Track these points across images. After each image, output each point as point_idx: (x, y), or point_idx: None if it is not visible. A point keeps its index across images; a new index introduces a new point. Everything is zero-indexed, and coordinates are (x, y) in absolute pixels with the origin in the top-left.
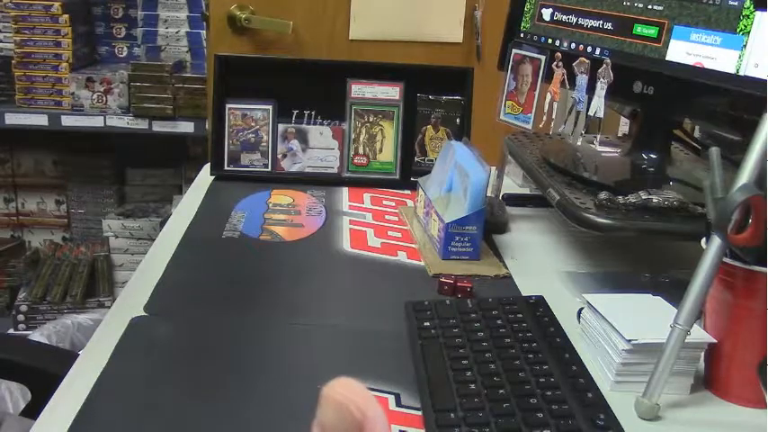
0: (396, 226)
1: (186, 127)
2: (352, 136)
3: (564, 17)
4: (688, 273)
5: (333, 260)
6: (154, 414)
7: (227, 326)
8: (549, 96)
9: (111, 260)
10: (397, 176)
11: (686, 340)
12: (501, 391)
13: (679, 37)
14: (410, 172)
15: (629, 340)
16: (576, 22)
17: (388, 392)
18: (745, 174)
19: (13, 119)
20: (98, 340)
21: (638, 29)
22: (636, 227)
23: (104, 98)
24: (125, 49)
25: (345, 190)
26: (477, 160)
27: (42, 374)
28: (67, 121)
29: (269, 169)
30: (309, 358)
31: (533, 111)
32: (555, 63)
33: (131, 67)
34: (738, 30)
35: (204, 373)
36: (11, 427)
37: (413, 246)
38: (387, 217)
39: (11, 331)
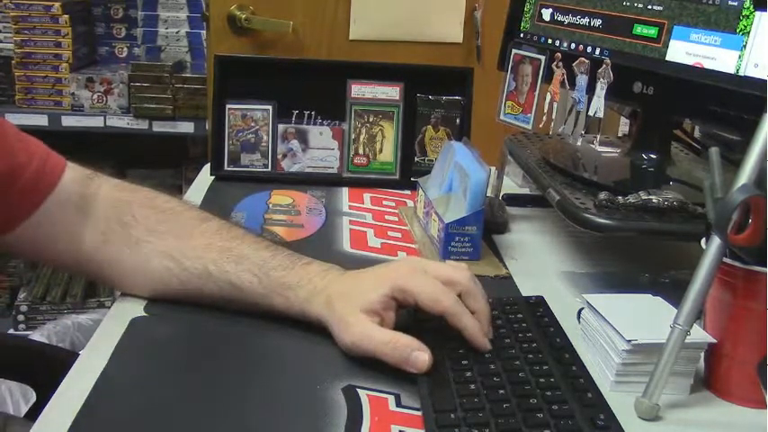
0: (396, 226)
1: (186, 127)
2: (352, 136)
3: (564, 17)
4: (688, 273)
5: (333, 260)
6: (154, 414)
7: (227, 326)
8: (548, 96)
9: None
10: (397, 177)
11: (686, 340)
12: (501, 391)
13: (679, 37)
14: (410, 172)
15: (629, 340)
16: (576, 23)
17: (388, 392)
18: (745, 174)
19: (13, 119)
20: (98, 340)
21: (638, 29)
22: (636, 227)
23: (104, 98)
24: (125, 49)
25: (345, 190)
26: (477, 160)
27: (42, 375)
28: (68, 121)
29: (269, 169)
30: (309, 358)
31: (533, 111)
32: (555, 63)
33: (131, 68)
34: (738, 30)
35: (204, 373)
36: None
37: (413, 246)
38: (387, 217)
39: (11, 331)
